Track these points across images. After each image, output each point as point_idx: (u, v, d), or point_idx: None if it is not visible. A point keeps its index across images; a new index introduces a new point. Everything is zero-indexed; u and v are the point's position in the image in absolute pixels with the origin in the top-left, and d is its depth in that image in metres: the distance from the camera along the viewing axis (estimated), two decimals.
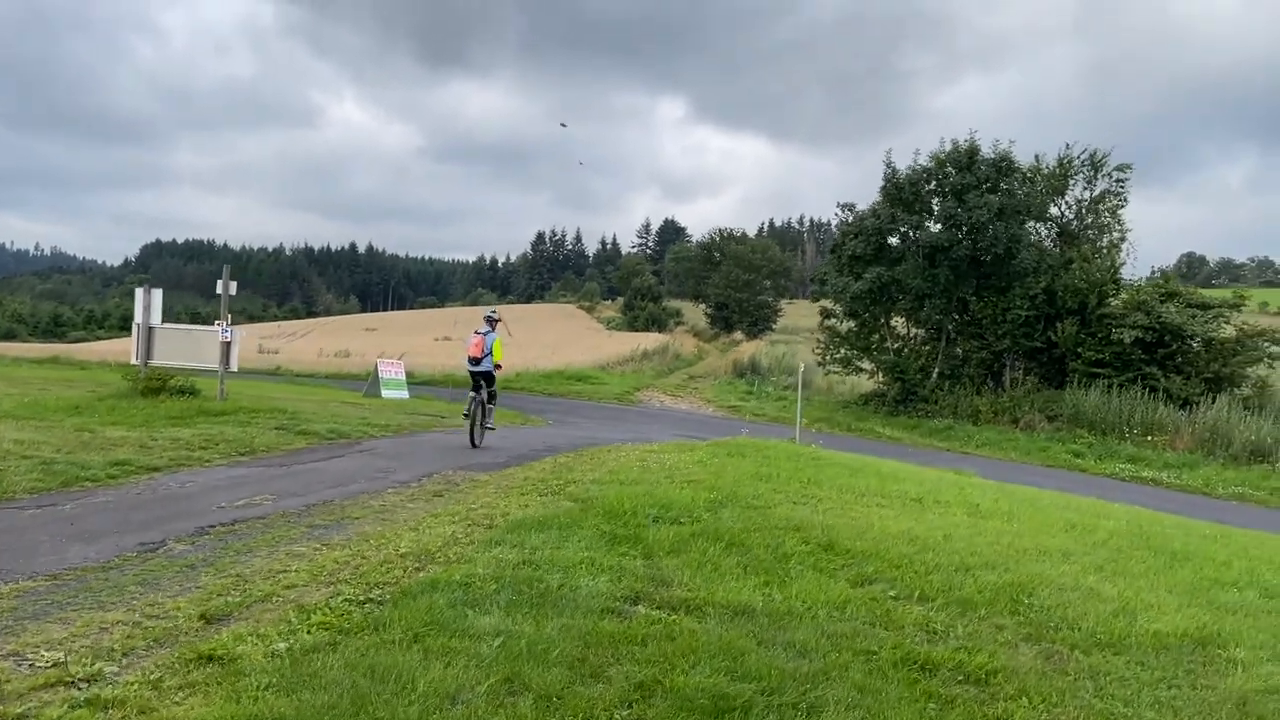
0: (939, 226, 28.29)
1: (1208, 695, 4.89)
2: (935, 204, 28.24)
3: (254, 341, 48.56)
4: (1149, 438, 24.57)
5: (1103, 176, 29.21)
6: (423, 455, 13.41)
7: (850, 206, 30.29)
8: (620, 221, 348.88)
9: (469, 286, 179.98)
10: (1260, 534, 12.64)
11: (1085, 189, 29.58)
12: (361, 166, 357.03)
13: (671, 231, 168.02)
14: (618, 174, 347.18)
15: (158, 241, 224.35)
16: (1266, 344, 27.06)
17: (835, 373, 32.04)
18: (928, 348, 30.01)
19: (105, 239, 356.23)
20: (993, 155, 28.11)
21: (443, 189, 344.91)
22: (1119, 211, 29.63)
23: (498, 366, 14.89)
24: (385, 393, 24.48)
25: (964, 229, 27.72)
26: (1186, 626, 6.09)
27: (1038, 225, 30.23)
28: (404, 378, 26.04)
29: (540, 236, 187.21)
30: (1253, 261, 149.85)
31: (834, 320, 32.03)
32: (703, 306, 78.84)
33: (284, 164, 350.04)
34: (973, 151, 28.21)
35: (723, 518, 8.26)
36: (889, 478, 12.80)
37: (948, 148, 28.62)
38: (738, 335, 69.26)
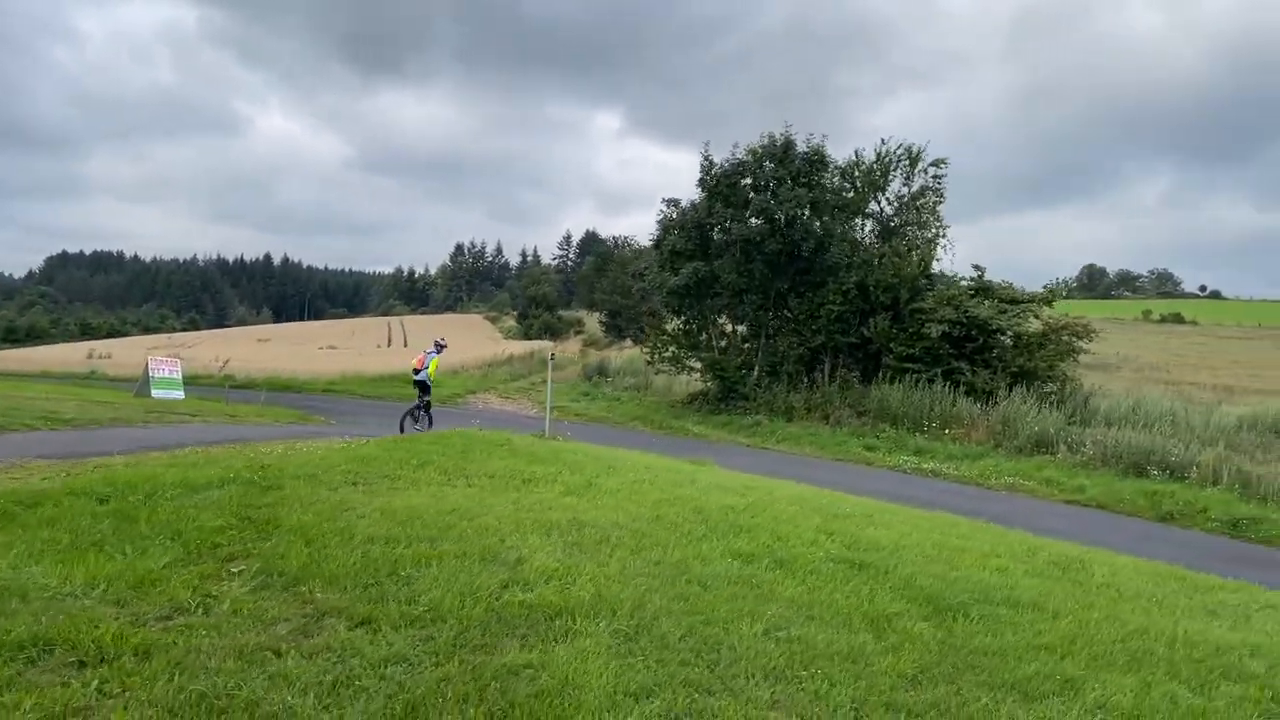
0: (757, 221, 27.93)
1: None
2: (752, 198, 27.85)
3: (138, 353, 46.60)
4: (946, 431, 24.44)
5: (920, 172, 29.22)
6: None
7: (675, 202, 29.86)
8: (555, 234, 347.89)
9: (385, 299, 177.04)
10: (918, 515, 12.22)
11: (904, 185, 29.55)
12: (289, 177, 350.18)
13: (593, 243, 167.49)
14: (552, 187, 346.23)
15: (64, 253, 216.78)
16: (1070, 337, 27.20)
17: (664, 371, 31.50)
18: (748, 345, 29.63)
19: (14, 250, 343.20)
20: (806, 150, 27.90)
21: (373, 201, 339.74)
22: (938, 207, 29.67)
23: (430, 383, 20.09)
24: (155, 392, 23.22)
25: (778, 223, 27.44)
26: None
27: (863, 221, 30.15)
28: (179, 377, 24.75)
29: (459, 248, 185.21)
30: (1152, 274, 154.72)
31: (662, 319, 31.51)
32: (597, 315, 78.26)
33: (208, 174, 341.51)
34: (788, 145, 27.97)
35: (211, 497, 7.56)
36: (569, 465, 12.12)
37: (764, 142, 28.35)
38: (628, 343, 68.66)
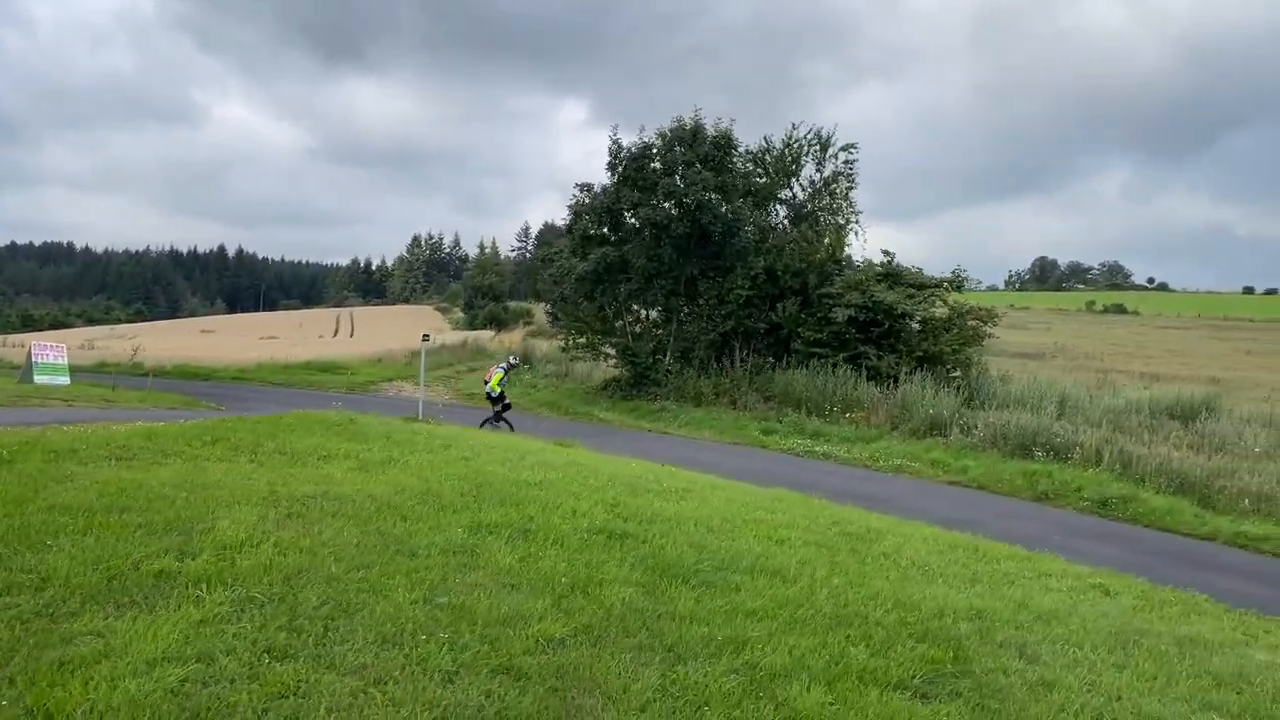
0: (665, 205, 27.74)
1: None
2: (660, 181, 27.63)
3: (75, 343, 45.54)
4: (847, 414, 24.46)
5: (830, 158, 29.21)
6: None
7: (587, 186, 29.56)
8: (517, 226, 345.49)
9: (339, 290, 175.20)
10: (751, 491, 12.13)
11: (817, 170, 29.53)
12: (248, 168, 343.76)
13: (552, 234, 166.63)
14: (516, 178, 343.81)
15: (12, 244, 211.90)
16: (975, 323, 27.36)
17: (579, 358, 31.28)
18: (660, 331, 29.47)
19: None
20: (715, 133, 27.75)
21: (334, 192, 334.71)
22: (850, 193, 29.69)
23: (494, 395, 21.06)
24: (38, 378, 22.61)
25: (687, 207, 27.29)
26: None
27: (776, 207, 30.09)
28: (64, 362, 24.12)
29: (416, 240, 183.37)
30: (1103, 266, 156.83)
31: (576, 305, 31.23)
32: (543, 305, 77.76)
33: (165, 165, 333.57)
34: (697, 129, 27.80)
35: None
36: (397, 444, 11.84)
37: (673, 125, 28.17)
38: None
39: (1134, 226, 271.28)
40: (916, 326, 27.24)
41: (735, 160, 28.11)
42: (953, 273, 28.26)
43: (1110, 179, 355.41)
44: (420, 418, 17.64)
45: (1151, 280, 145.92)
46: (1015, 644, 5.86)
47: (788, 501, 11.18)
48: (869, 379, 25.59)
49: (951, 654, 5.47)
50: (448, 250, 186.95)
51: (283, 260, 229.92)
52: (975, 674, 5.20)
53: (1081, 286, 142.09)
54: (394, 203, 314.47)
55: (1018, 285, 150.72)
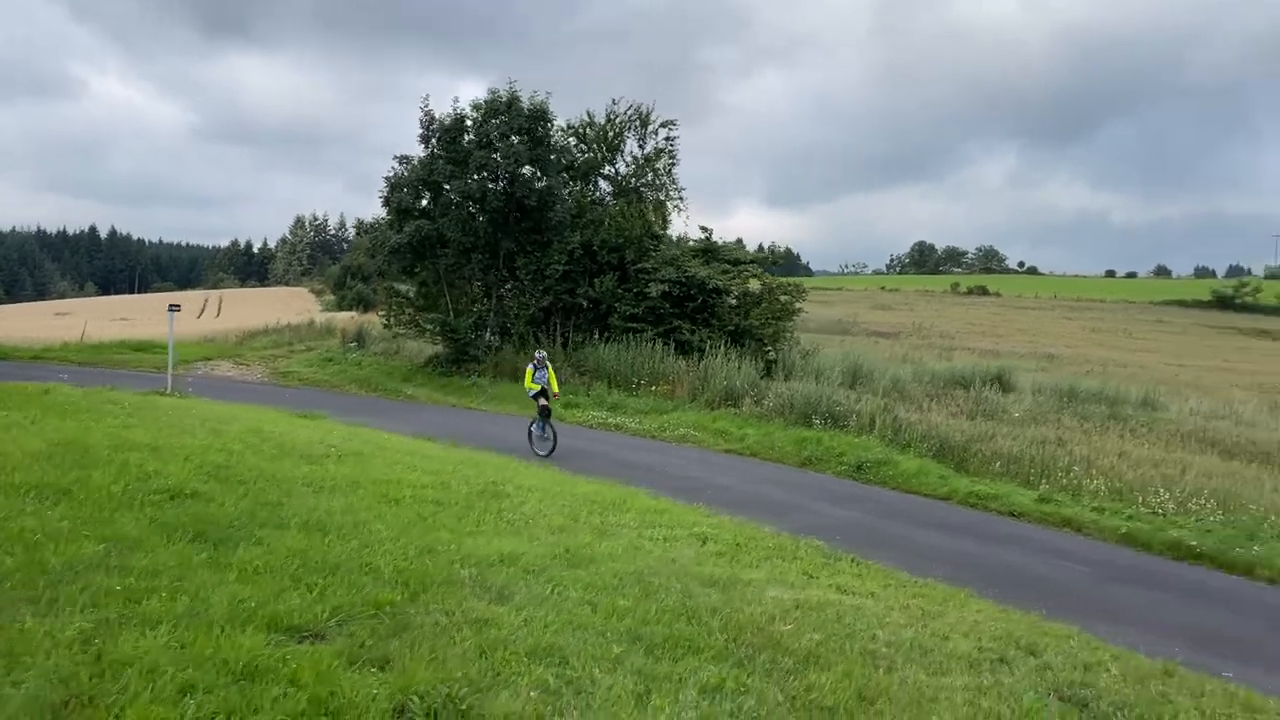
0: (479, 177, 27.28)
1: None
2: (474, 153, 27.15)
3: None
4: (654, 387, 24.59)
5: (652, 134, 29.24)
6: None
7: (405, 158, 28.81)
8: None
9: (215, 272, 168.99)
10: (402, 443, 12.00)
11: (639, 146, 29.51)
12: (125, 145, 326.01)
13: None
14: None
15: None
16: (786, 298, 27.85)
17: (401, 335, 30.65)
18: (479, 306, 29.08)
19: None
20: (530, 106, 27.41)
21: (218, 171, 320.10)
22: (673, 170, 29.79)
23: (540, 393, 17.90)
24: None
25: (501, 179, 26.93)
26: None
27: (598, 182, 29.99)
28: None
29: (299, 221, 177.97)
30: (979, 251, 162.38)
31: (396, 281, 30.56)
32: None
33: (35, 140, 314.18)
34: (512, 101, 27.40)
35: None
36: (92, 412, 11.28)
37: (488, 96, 27.72)
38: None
39: (1017, 213, 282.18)
40: (733, 302, 27.56)
41: (552, 133, 27.83)
42: (767, 248, 28.62)
43: (996, 166, 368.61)
44: (169, 391, 16.98)
45: (1022, 264, 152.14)
46: (498, 587, 5.79)
47: (467, 466, 11.05)
48: (682, 353, 25.78)
49: (408, 596, 5.36)
50: (334, 232, 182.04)
51: (160, 242, 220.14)
52: (411, 615, 5.09)
53: (958, 270, 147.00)
54: (283, 183, 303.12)
55: (898, 269, 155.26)
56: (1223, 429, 21.23)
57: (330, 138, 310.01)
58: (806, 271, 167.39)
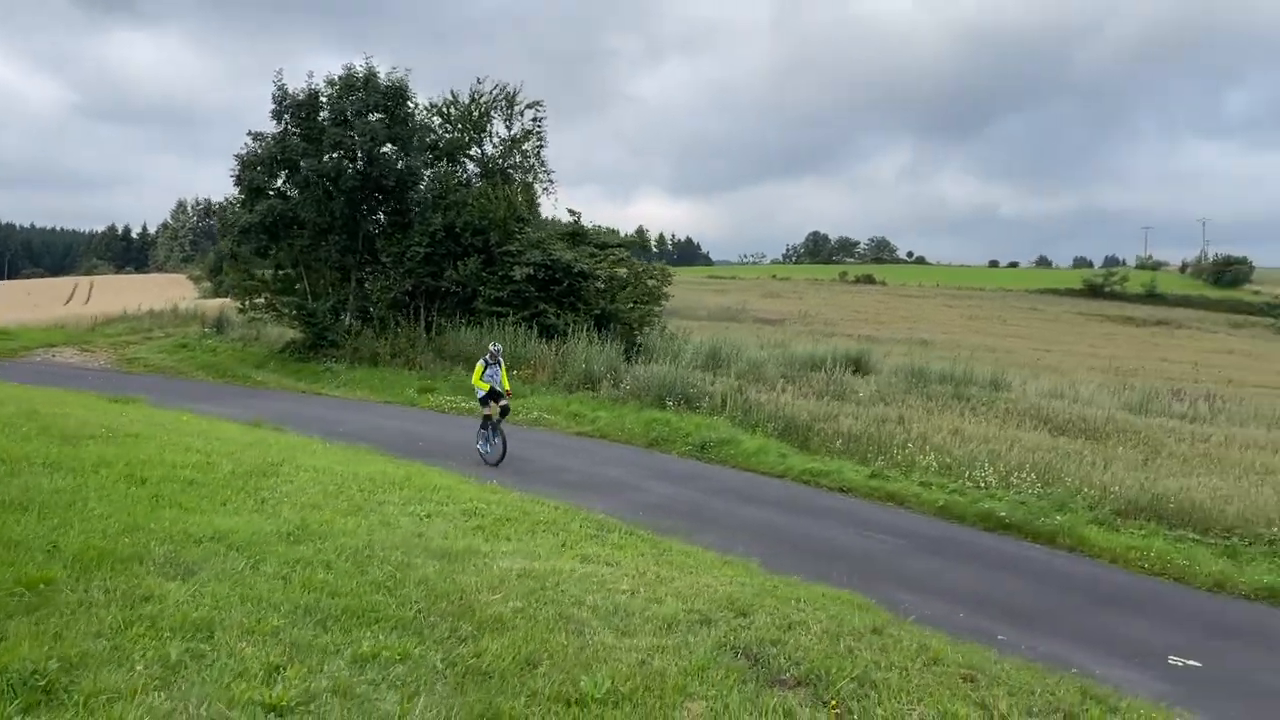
0: (335, 155, 26.42)
1: None
2: (329, 130, 26.25)
3: None
4: (515, 371, 24.20)
5: (518, 115, 28.84)
6: None
7: (260, 135, 27.67)
8: None
9: (89, 258, 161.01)
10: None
11: (506, 128, 29.08)
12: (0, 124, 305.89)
13: None
14: None
15: None
16: (653, 282, 27.87)
17: (258, 319, 29.55)
18: (338, 289, 28.23)
19: None
20: (389, 83, 26.66)
21: (101, 153, 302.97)
22: (541, 152, 29.46)
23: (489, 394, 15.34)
24: None
25: (358, 158, 26.14)
26: None
27: (467, 163, 29.45)
28: None
29: (181, 205, 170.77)
30: (871, 241, 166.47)
31: (249, 263, 29.40)
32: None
33: None
34: (369, 78, 26.59)
35: None
36: None
37: (343, 73, 26.84)
38: None
39: (910, 205, 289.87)
40: (601, 286, 27.40)
41: (412, 112, 27.14)
42: (635, 233, 28.58)
43: (891, 159, 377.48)
44: None
45: (911, 254, 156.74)
46: (188, 564, 5.44)
47: (256, 447, 10.59)
48: (547, 337, 25.51)
49: (75, 574, 4.99)
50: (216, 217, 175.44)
51: (33, 226, 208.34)
52: (62, 593, 4.71)
53: (851, 260, 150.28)
54: (167, 165, 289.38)
55: (794, 259, 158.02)
56: (1058, 407, 22.05)
57: (218, 119, 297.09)
58: (706, 261, 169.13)
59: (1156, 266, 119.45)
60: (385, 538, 6.56)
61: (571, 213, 28.40)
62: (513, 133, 29.03)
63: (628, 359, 23.96)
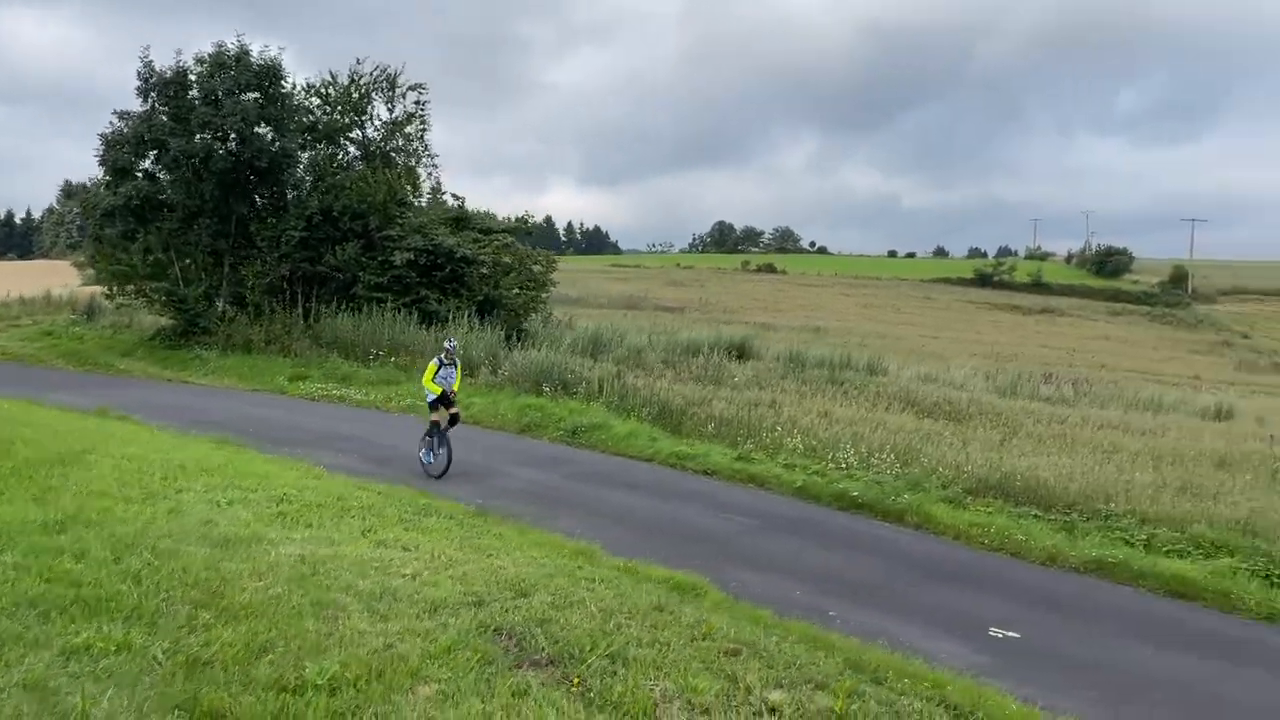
0: (204, 135, 25.36)
1: None
2: (201, 109, 25.19)
3: None
4: (394, 358, 23.76)
5: (400, 98, 28.18)
6: None
7: (126, 114, 26.35)
8: None
9: None
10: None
11: (388, 110, 28.37)
12: None
13: None
14: None
15: None
16: (538, 268, 27.65)
17: (127, 305, 28.27)
18: (208, 275, 27.16)
19: None
20: (260, 62, 25.71)
21: None
22: (425, 135, 28.87)
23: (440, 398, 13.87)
24: None
25: (229, 138, 25.16)
26: None
27: (348, 146, 28.64)
28: None
29: (68, 187, 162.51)
30: (775, 231, 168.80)
31: (115, 247, 28.04)
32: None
33: None
34: (240, 56, 25.60)
35: None
36: None
37: (214, 50, 25.76)
38: None
39: (816, 196, 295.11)
40: (485, 271, 27.00)
41: (288, 92, 26.26)
42: (518, 219, 28.26)
43: (799, 150, 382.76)
44: None
45: (813, 244, 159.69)
46: None
47: (75, 434, 10.08)
48: (428, 323, 25.04)
49: None
50: None
51: None
52: None
53: (756, 250, 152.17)
54: (57, 148, 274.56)
55: (700, 248, 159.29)
56: (928, 391, 22.66)
57: (114, 100, 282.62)
58: (615, 250, 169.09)
59: (1044, 257, 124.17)
60: (165, 526, 6.25)
61: (455, 197, 27.99)
62: (394, 115, 28.35)
63: (509, 345, 23.68)
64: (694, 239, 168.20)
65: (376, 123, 28.63)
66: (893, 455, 15.82)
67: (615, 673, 4.30)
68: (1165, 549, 11.89)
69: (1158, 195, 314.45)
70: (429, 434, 13.89)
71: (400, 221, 26.50)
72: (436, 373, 13.87)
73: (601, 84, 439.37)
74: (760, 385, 21.81)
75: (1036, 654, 8.62)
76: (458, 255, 25.98)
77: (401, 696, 3.84)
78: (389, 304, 25.39)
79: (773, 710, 4.06)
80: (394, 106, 28.22)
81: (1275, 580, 10.99)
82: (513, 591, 5.51)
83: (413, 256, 25.64)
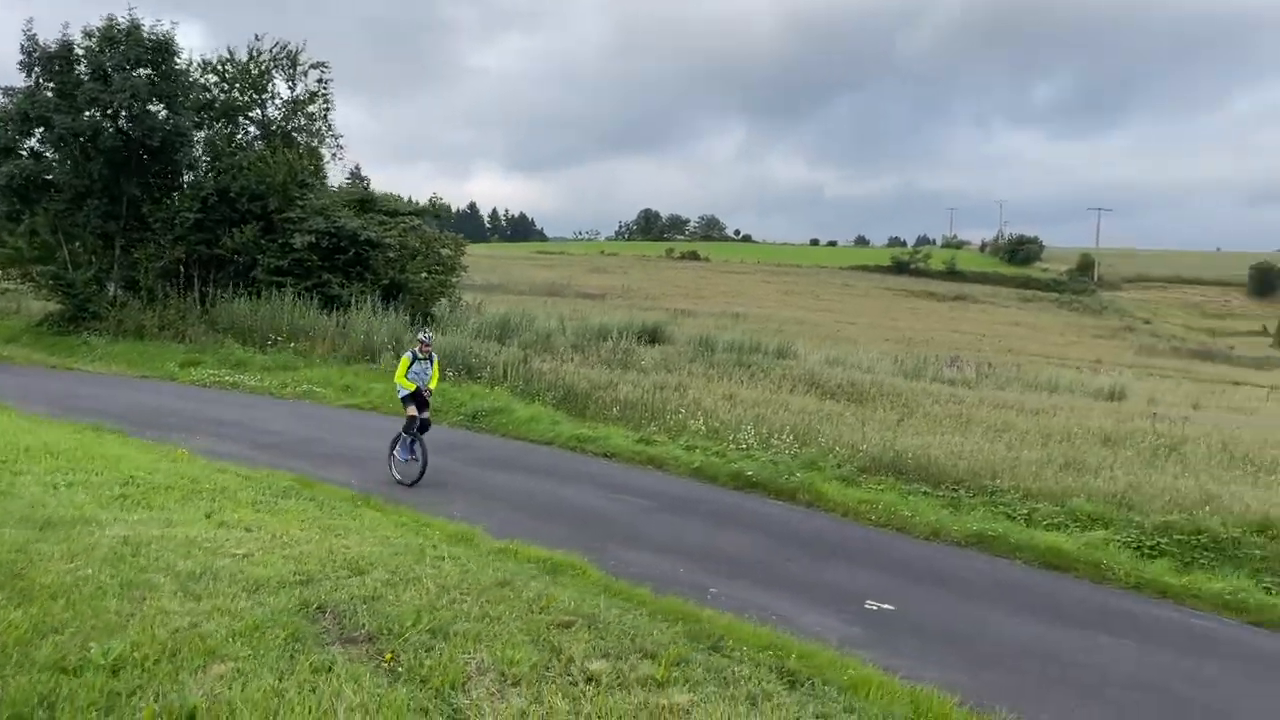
0: (91, 113, 24.25)
1: None
2: (88, 85, 24.08)
3: None
4: (293, 344, 23.13)
5: (302, 76, 27.39)
6: None
7: (9, 90, 25.08)
8: None
9: None
10: None
11: (289, 87, 27.55)
12: None
13: None
14: None
15: None
16: (447, 251, 27.21)
17: (12, 290, 26.99)
18: (98, 258, 26.07)
19: None
20: (152, 37, 24.66)
21: None
22: (328, 115, 28.11)
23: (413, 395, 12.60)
24: None
25: (119, 115, 24.11)
26: None
27: (248, 125, 27.72)
28: None
29: None
30: (701, 220, 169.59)
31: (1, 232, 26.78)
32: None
33: None
34: (131, 30, 24.51)
35: None
36: None
37: (102, 24, 24.64)
38: None
39: (742, 185, 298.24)
40: (391, 255, 26.44)
41: (183, 68, 25.25)
42: (429, 201, 27.76)
43: (726, 140, 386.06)
44: None
45: (738, 232, 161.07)
46: None
47: None
48: (330, 308, 24.41)
49: None
50: None
51: None
52: None
53: (681, 237, 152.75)
54: None
55: (626, 236, 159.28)
56: (833, 374, 22.96)
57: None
58: (541, 237, 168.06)
59: (959, 246, 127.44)
60: None
61: (359, 178, 27.32)
62: (296, 94, 27.56)
63: (414, 330, 23.22)
64: (620, 227, 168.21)
65: (277, 101, 27.85)
66: (792, 436, 15.92)
67: (432, 647, 4.16)
68: (1044, 523, 12.19)
69: (1068, 186, 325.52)
70: (405, 431, 12.52)
71: (301, 203, 25.77)
72: (410, 368, 12.44)
73: (528, 70, 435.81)
74: (669, 369, 21.81)
75: (909, 625, 8.72)
76: (361, 238, 25.38)
77: (191, 676, 3.64)
78: (289, 288, 24.69)
79: (590, 679, 3.97)
80: (295, 85, 27.47)
81: (1145, 551, 11.34)
82: (348, 570, 5.32)
83: (314, 239, 24.97)
